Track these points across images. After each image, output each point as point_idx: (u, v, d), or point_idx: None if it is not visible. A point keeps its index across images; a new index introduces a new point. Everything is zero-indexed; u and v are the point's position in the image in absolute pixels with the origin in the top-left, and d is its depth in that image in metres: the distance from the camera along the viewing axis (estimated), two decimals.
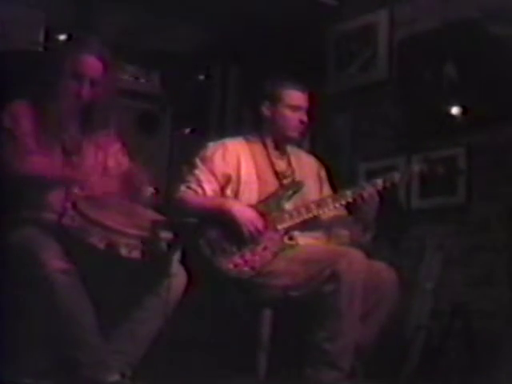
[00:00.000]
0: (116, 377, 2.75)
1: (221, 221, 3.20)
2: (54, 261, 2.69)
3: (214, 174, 3.34)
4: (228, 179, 3.35)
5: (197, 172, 3.34)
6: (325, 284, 3.04)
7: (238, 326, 3.33)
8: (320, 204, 3.30)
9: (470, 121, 3.94)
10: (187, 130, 4.95)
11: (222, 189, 3.34)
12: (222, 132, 4.80)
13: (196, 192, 3.31)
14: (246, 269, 3.17)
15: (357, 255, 3.12)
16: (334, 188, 3.51)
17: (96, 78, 3.00)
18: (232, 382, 3.13)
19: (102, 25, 4.43)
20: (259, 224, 3.20)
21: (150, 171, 3.06)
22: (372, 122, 4.37)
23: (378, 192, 3.27)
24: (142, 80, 4.72)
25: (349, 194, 3.28)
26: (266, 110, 3.43)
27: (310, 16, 4.57)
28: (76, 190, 2.91)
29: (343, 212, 3.40)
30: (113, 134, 3.15)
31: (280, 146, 3.48)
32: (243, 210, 3.22)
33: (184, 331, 3.20)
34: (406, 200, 4.11)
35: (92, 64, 3.00)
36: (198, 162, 3.38)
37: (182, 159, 3.70)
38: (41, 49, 4.24)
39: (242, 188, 3.34)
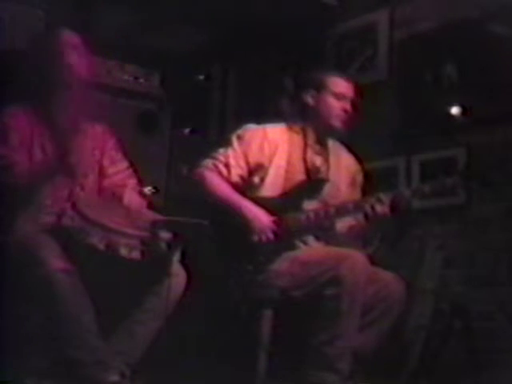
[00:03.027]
0: (116, 377, 2.75)
1: (231, 218, 3.17)
2: (54, 261, 2.69)
3: (246, 160, 3.27)
4: (259, 168, 3.28)
5: (230, 152, 3.27)
6: (325, 287, 3.00)
7: (238, 326, 3.33)
8: (339, 210, 3.19)
9: (469, 121, 3.94)
10: (187, 130, 4.95)
11: (250, 175, 3.28)
12: (222, 132, 4.80)
13: (221, 173, 3.25)
14: (248, 267, 3.15)
15: (359, 258, 3.06)
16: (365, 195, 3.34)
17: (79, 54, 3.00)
18: (232, 382, 3.13)
19: (102, 25, 4.43)
20: (271, 233, 3.15)
21: (148, 171, 3.06)
22: (372, 122, 4.37)
23: (391, 206, 3.11)
24: (142, 80, 4.71)
25: (368, 203, 3.13)
26: (310, 99, 3.36)
27: (309, 16, 4.57)
28: (76, 190, 2.91)
29: (360, 221, 3.26)
30: (107, 130, 3.15)
31: (322, 139, 3.39)
32: (258, 217, 3.16)
33: (184, 331, 3.20)
34: None
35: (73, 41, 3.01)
36: (234, 140, 3.30)
37: (181, 159, 3.69)
38: None
39: (267, 179, 3.27)
